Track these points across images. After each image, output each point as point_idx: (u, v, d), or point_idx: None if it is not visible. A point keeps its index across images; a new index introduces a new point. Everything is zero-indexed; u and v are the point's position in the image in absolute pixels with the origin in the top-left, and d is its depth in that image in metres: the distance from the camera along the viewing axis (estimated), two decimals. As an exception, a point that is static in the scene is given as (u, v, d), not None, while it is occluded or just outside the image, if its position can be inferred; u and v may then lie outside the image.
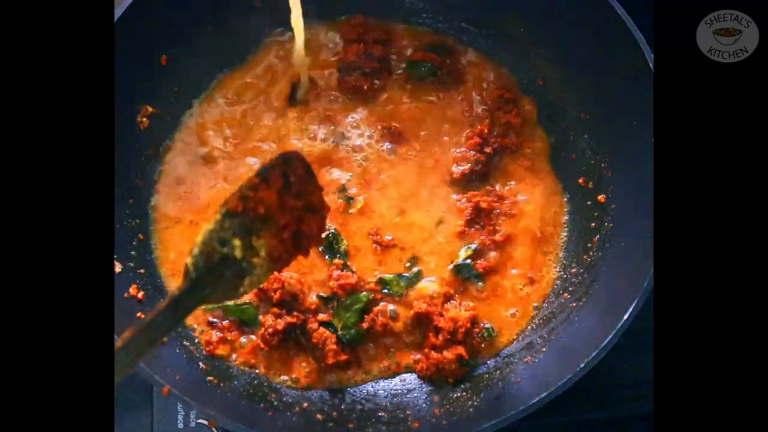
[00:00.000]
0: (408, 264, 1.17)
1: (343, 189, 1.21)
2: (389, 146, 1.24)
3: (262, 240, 0.81)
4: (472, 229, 1.20)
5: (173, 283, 1.15)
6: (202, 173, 1.23)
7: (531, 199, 1.23)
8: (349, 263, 1.17)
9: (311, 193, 0.87)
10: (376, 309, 1.13)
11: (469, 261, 1.17)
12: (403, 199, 1.21)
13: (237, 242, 0.79)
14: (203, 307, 1.10)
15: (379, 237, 1.18)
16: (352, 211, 1.20)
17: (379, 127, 1.25)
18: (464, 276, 1.17)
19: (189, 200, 1.21)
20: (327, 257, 1.17)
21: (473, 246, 1.18)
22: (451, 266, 1.17)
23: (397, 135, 1.25)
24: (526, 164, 1.25)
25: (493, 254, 1.18)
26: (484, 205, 1.20)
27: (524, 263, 1.19)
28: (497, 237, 1.19)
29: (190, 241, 1.16)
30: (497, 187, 1.23)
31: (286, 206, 0.83)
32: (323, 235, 1.16)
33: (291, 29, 1.27)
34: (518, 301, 1.17)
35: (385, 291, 1.16)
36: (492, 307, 1.16)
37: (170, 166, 1.23)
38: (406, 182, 1.22)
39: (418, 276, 1.17)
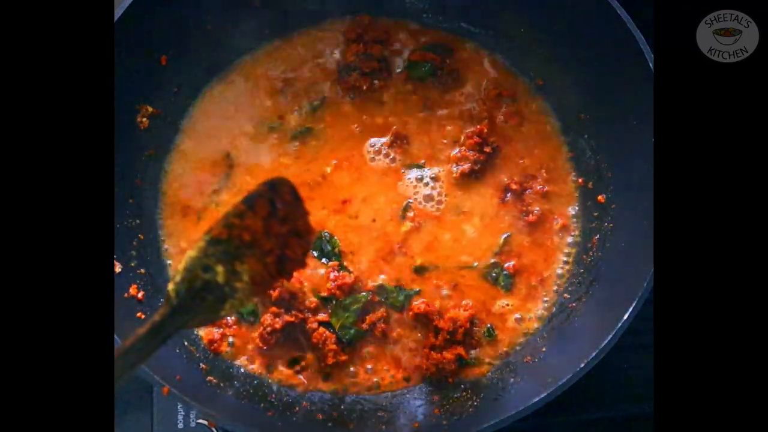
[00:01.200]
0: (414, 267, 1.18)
1: (406, 208, 1.21)
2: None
3: (245, 265, 0.79)
4: (507, 215, 1.20)
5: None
6: (205, 173, 1.23)
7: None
8: (345, 263, 1.17)
9: (298, 218, 0.85)
10: (377, 314, 1.13)
11: (495, 260, 1.18)
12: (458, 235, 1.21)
13: (220, 268, 0.78)
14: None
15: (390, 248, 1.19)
16: (403, 228, 1.20)
17: (386, 136, 1.25)
18: (493, 278, 1.17)
19: (193, 197, 1.22)
20: (324, 260, 1.17)
21: (506, 235, 1.19)
22: (477, 264, 1.18)
23: (403, 139, 1.25)
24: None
25: (526, 240, 1.19)
26: (515, 186, 1.21)
27: (541, 258, 1.19)
28: (530, 218, 1.19)
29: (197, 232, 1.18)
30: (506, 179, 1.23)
31: (271, 232, 0.82)
32: (322, 239, 1.18)
33: (292, 29, 1.28)
34: (522, 300, 1.17)
35: (383, 299, 1.15)
36: (494, 306, 1.16)
37: (174, 165, 1.24)
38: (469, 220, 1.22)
39: (418, 294, 1.16)
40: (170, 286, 0.78)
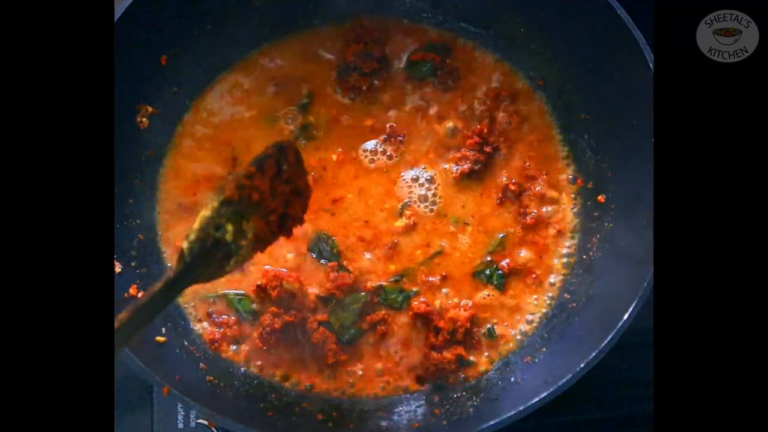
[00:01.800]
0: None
1: (404, 206, 1.21)
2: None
3: (251, 223, 0.86)
4: (504, 215, 1.20)
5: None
6: (205, 173, 1.23)
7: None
8: (344, 263, 1.17)
9: (300, 177, 0.93)
10: (376, 314, 1.13)
11: (490, 259, 1.18)
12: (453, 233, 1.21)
13: (230, 227, 0.84)
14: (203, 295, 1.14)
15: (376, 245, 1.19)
16: (398, 225, 1.20)
17: (383, 135, 1.25)
18: (486, 277, 1.17)
19: (193, 197, 1.22)
20: (322, 261, 1.17)
21: (501, 235, 1.19)
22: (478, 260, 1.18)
23: (400, 137, 1.24)
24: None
25: (516, 252, 1.18)
26: (513, 187, 1.20)
27: (538, 259, 1.19)
28: (528, 219, 1.19)
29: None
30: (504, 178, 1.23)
31: (276, 191, 0.88)
32: (318, 239, 1.18)
33: (292, 29, 1.28)
34: (521, 300, 1.17)
35: (382, 299, 1.15)
36: (494, 306, 1.17)
37: (174, 165, 1.24)
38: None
39: (417, 294, 1.16)
40: (184, 245, 0.83)
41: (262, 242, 0.89)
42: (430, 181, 1.23)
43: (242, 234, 0.85)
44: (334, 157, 1.23)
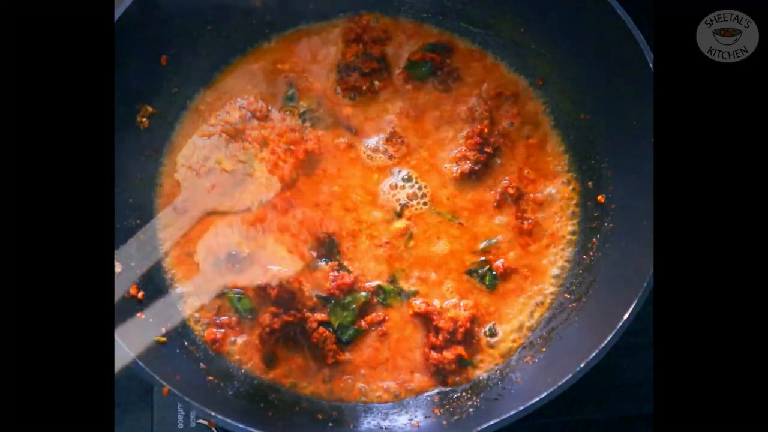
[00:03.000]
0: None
1: (402, 206, 1.21)
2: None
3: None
4: (503, 214, 1.20)
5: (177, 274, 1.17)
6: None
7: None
8: (345, 263, 1.17)
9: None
10: (376, 314, 1.13)
11: (483, 259, 1.18)
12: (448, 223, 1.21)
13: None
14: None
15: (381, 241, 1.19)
16: (397, 224, 1.20)
17: (384, 135, 1.25)
18: (479, 277, 1.17)
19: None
20: (323, 261, 1.17)
21: (495, 239, 1.19)
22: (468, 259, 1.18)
23: (401, 139, 1.25)
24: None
25: (512, 253, 1.18)
26: (511, 191, 1.20)
27: (532, 261, 1.19)
28: (525, 225, 1.19)
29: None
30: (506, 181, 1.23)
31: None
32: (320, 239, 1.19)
33: (292, 29, 1.28)
34: (521, 300, 1.17)
35: (381, 299, 1.16)
36: (494, 306, 1.16)
37: (172, 165, 1.23)
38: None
39: (416, 294, 1.16)
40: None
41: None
42: (428, 180, 1.23)
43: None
44: (336, 140, 1.24)
